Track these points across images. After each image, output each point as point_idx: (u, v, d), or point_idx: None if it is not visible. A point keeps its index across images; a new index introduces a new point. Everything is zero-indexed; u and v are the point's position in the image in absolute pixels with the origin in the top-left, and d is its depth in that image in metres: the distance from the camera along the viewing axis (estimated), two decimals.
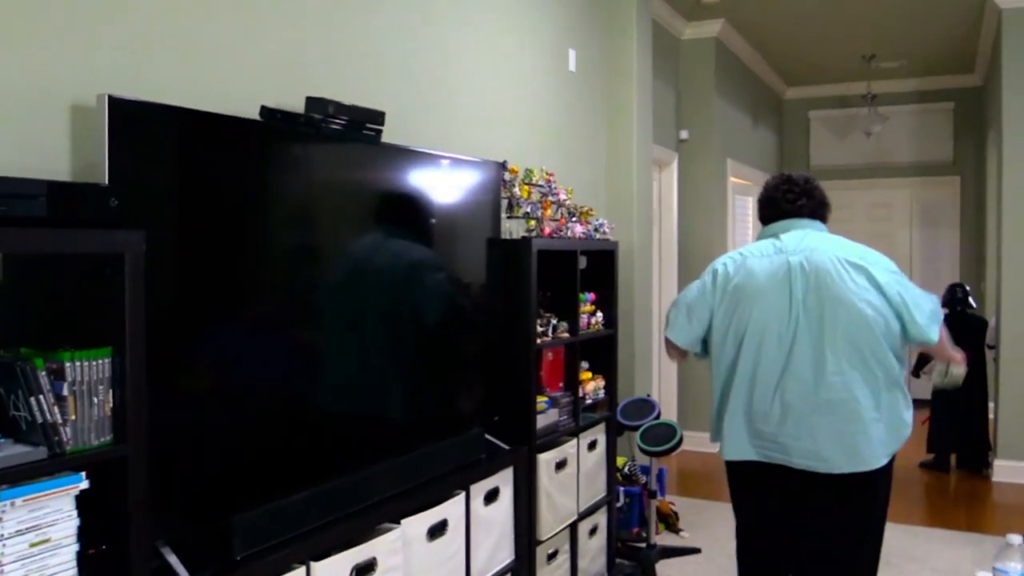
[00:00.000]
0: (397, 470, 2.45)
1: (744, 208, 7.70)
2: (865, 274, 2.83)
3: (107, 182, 1.63)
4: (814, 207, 3.05)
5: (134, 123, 1.72)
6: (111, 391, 1.57)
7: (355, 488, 2.29)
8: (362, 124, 2.32)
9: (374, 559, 2.18)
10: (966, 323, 5.93)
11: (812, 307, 2.81)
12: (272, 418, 2.08)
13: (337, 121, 2.24)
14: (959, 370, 3.10)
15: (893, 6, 5.78)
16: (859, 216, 8.42)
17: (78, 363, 1.51)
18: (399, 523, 2.34)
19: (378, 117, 2.36)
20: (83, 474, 1.52)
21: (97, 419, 1.55)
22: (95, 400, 1.54)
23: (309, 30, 2.54)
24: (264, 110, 2.15)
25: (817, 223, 3.03)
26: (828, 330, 2.76)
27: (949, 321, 5.86)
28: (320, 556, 2.05)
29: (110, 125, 1.65)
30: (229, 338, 1.94)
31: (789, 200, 3.04)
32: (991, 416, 5.87)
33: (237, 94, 2.24)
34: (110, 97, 1.66)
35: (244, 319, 2.01)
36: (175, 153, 1.86)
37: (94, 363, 1.54)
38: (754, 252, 2.97)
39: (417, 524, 2.42)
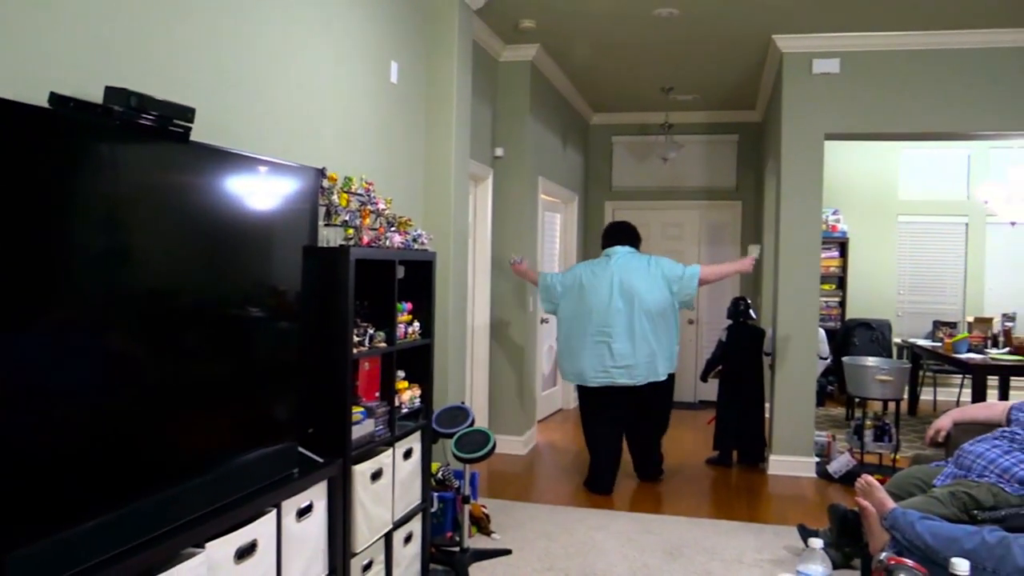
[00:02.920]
0: (201, 489, 2.18)
1: (552, 224, 7.77)
2: (656, 266, 5.28)
3: None
4: (631, 239, 5.53)
5: None
6: None
7: (155, 511, 2.00)
8: (169, 119, 2.04)
9: None
10: (746, 333, 6.21)
11: (625, 295, 5.16)
12: (55, 435, 1.76)
13: (141, 115, 1.95)
14: (755, 249, 5.72)
15: (689, 45, 5.98)
16: (655, 234, 8.71)
17: None
18: (204, 547, 2.08)
19: (187, 113, 2.08)
20: None
21: None
22: None
23: (115, 15, 2.23)
24: (54, 97, 1.83)
25: (632, 247, 5.47)
26: (635, 309, 5.15)
27: (732, 330, 6.18)
28: None
29: None
30: None
31: (616, 235, 5.54)
32: (767, 416, 6.17)
33: (26, 79, 1.92)
34: None
35: (18, 325, 1.67)
36: None
37: None
38: (594, 264, 5.40)
39: (224, 546, 2.15)
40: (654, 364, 5.19)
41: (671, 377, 5.39)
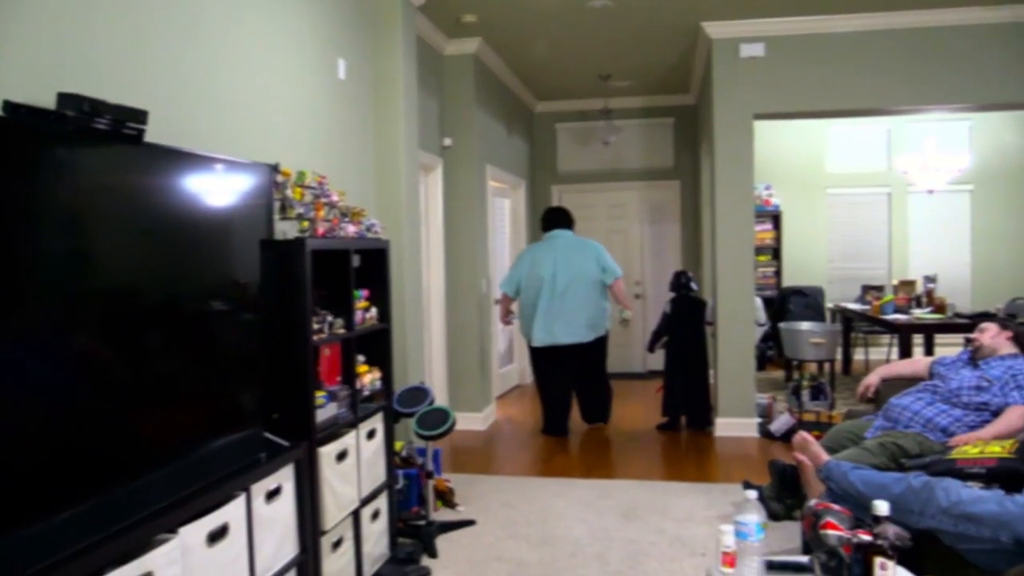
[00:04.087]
0: (172, 478, 2.17)
1: (502, 209, 7.79)
2: (590, 250, 6.10)
3: None
4: (567, 222, 6.30)
5: None
6: None
7: (129, 500, 1.99)
8: (122, 123, 2.01)
9: (150, 573, 1.91)
10: (689, 304, 6.31)
11: (567, 269, 5.98)
12: (27, 433, 1.73)
13: (93, 119, 1.93)
14: (628, 314, 6.32)
15: (623, 34, 6.02)
16: (600, 215, 8.78)
17: None
18: (177, 532, 2.07)
19: (140, 116, 2.06)
20: None
21: None
22: None
23: (66, 23, 2.19)
24: (7, 105, 1.80)
25: (568, 231, 6.27)
26: (575, 280, 5.96)
27: (675, 302, 6.28)
28: None
29: None
30: None
31: (555, 219, 6.32)
32: (711, 382, 6.29)
33: None
34: None
35: None
36: None
37: None
38: (539, 246, 6.25)
39: (196, 531, 2.15)
40: (591, 325, 6.01)
41: (605, 335, 6.22)
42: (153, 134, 2.19)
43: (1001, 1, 5.35)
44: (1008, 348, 3.79)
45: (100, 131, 1.98)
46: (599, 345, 6.15)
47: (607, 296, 6.12)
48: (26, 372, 1.74)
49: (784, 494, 4.04)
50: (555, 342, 5.97)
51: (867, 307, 7.45)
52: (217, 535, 2.24)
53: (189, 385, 2.37)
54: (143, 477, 2.08)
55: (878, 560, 2.10)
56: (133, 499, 2.02)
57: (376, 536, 3.52)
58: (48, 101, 1.94)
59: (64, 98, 1.93)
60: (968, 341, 3.98)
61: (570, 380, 6.21)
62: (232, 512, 2.33)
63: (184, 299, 2.36)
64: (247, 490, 2.44)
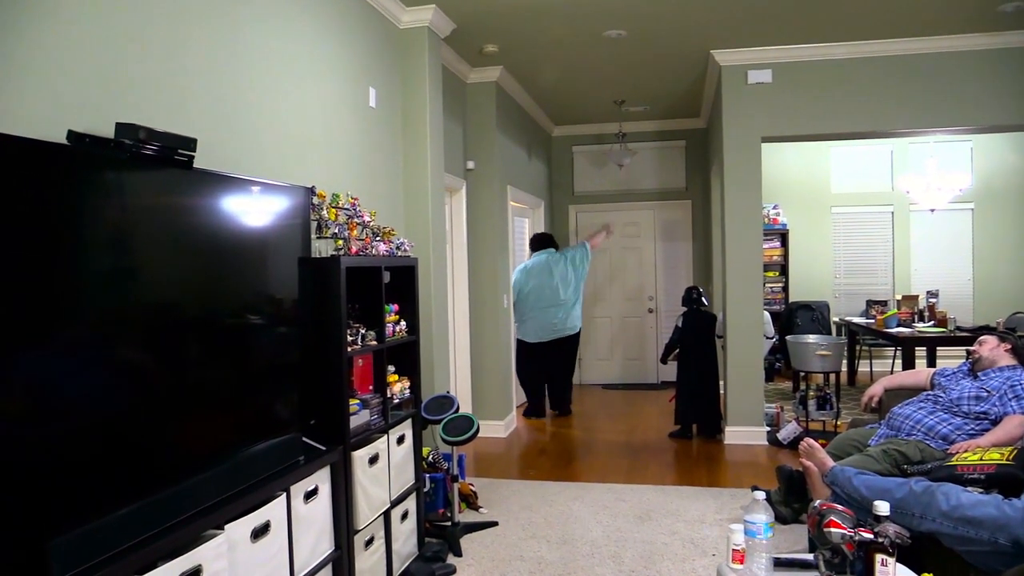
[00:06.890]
0: (219, 478, 2.24)
1: (522, 228, 7.85)
2: (568, 258, 7.21)
3: None
4: (553, 244, 7.32)
5: None
6: None
7: (179, 499, 2.06)
8: (174, 150, 2.09)
9: (199, 566, 1.97)
10: (700, 318, 6.32)
11: (559, 280, 7.03)
12: (90, 435, 1.80)
13: (148, 147, 2.01)
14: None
15: (637, 62, 6.07)
16: (615, 233, 8.81)
17: None
18: (223, 528, 2.13)
19: (190, 143, 2.14)
20: None
21: None
22: None
23: (124, 58, 2.28)
24: (72, 134, 1.88)
25: (552, 248, 7.26)
26: (565, 288, 7.08)
27: (687, 316, 6.29)
28: (144, 569, 1.82)
29: None
30: (35, 360, 1.67)
31: (544, 243, 7.30)
32: (722, 392, 6.28)
33: (44, 118, 1.96)
34: None
35: (51, 339, 1.72)
36: None
37: None
38: (532, 261, 7.18)
39: (241, 527, 2.22)
40: (576, 319, 7.24)
41: (579, 331, 7.38)
42: (200, 159, 2.26)
43: (998, 28, 5.36)
44: (1007, 360, 3.78)
45: (154, 157, 2.05)
46: (577, 337, 7.37)
47: (581, 293, 7.38)
48: (89, 380, 1.81)
49: (791, 498, 4.04)
50: (554, 336, 7.13)
51: (871, 321, 7.42)
52: (260, 532, 2.30)
53: (234, 393, 2.43)
54: (193, 477, 2.14)
55: (879, 557, 2.12)
56: (184, 498, 2.08)
57: (405, 535, 3.56)
58: (105, 129, 2.02)
59: (122, 127, 2.01)
60: (968, 353, 3.97)
61: (546, 370, 7.32)
62: (274, 511, 2.39)
63: (230, 313, 2.43)
64: (287, 490, 2.50)
